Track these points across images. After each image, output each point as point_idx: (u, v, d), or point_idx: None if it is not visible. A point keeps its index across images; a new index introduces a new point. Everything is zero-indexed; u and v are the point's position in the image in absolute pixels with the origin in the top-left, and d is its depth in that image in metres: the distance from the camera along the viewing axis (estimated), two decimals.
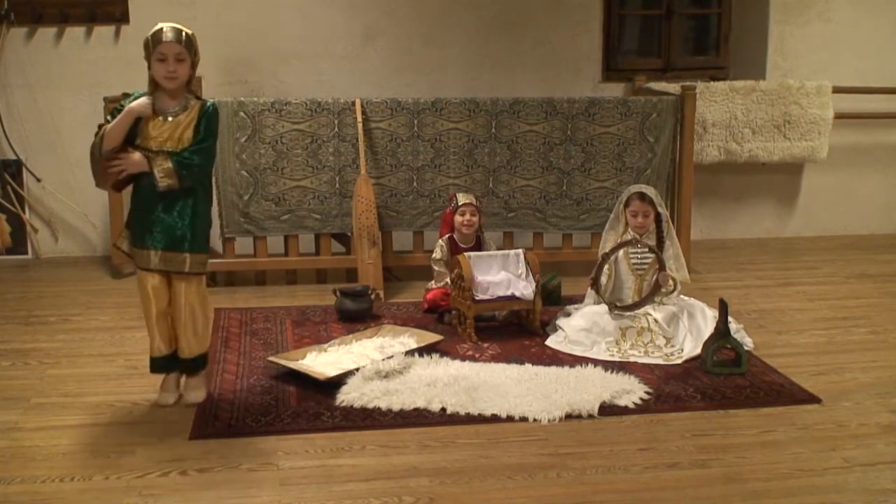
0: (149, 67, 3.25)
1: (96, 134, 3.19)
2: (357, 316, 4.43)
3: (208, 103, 3.31)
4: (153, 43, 3.22)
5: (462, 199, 4.64)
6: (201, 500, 2.79)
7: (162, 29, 3.24)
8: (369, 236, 4.90)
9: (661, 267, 4.09)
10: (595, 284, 4.14)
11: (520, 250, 4.42)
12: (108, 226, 5.28)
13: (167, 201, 3.25)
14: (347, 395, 3.46)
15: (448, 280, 4.45)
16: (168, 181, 3.19)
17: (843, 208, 6.46)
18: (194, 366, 3.44)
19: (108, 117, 3.22)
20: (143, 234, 3.27)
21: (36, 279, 5.31)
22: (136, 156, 3.21)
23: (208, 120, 3.27)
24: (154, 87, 3.27)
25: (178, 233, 3.26)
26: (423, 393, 3.47)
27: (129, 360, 3.94)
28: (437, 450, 3.11)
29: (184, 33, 3.25)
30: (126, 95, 3.33)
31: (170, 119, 3.24)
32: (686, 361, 3.92)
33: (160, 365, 3.44)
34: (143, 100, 3.22)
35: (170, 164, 3.19)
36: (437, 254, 4.65)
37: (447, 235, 4.65)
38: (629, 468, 3.00)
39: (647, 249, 4.15)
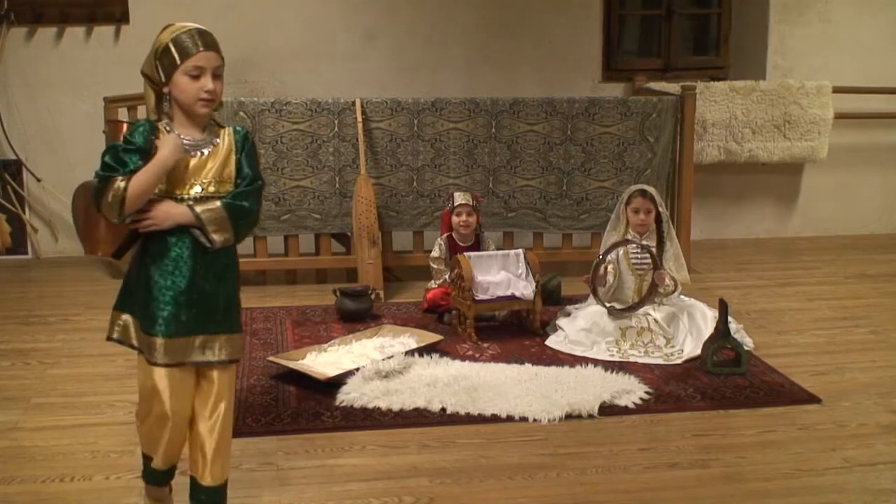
0: (160, 85, 2.39)
1: (103, 188, 2.30)
2: (357, 316, 4.43)
3: (239, 129, 2.50)
4: (180, 53, 2.36)
5: (458, 199, 4.64)
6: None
7: (191, 33, 2.43)
8: (369, 236, 4.90)
9: (656, 266, 4.09)
10: (593, 287, 4.13)
11: (520, 250, 4.42)
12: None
13: (207, 265, 2.41)
14: (347, 395, 3.46)
15: (447, 277, 4.45)
16: (224, 235, 2.38)
17: (842, 208, 6.46)
18: (217, 499, 2.56)
19: (110, 160, 2.31)
20: (174, 317, 2.38)
21: (36, 279, 5.31)
22: (174, 207, 2.36)
23: (249, 151, 2.47)
24: (164, 112, 2.42)
25: (222, 306, 2.46)
26: (423, 393, 3.47)
27: (129, 360, 3.92)
28: (437, 450, 3.11)
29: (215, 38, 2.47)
30: (128, 124, 2.67)
31: (203, 155, 2.41)
32: (686, 361, 3.92)
33: (162, 477, 2.60)
34: (173, 140, 2.34)
35: (223, 213, 2.37)
36: (435, 252, 4.66)
37: (446, 234, 4.66)
38: (629, 468, 3.00)
39: (640, 248, 4.15)
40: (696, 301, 4.25)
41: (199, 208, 2.36)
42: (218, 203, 2.38)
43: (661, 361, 3.92)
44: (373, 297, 4.54)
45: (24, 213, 5.63)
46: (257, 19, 5.63)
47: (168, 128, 2.39)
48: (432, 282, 4.65)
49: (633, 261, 4.20)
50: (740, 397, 3.56)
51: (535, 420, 3.34)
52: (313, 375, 3.59)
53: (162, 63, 2.37)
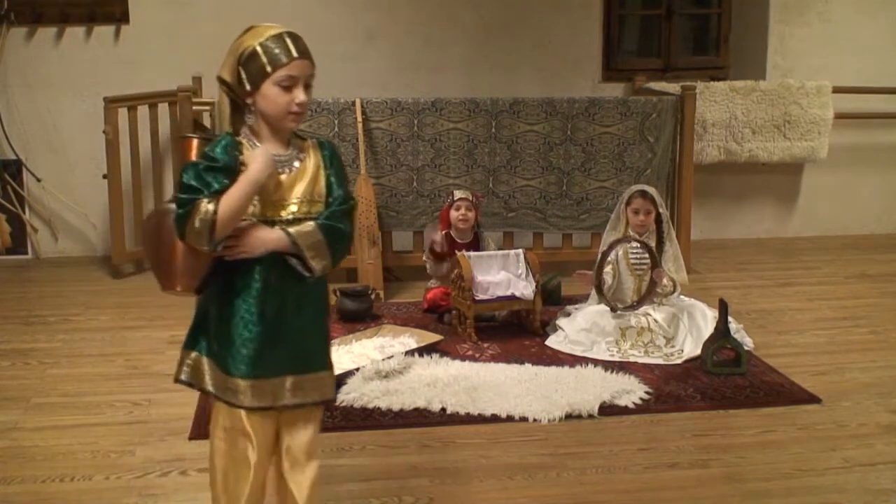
0: (244, 95, 2.11)
1: (187, 213, 2.01)
2: (357, 316, 4.43)
3: (324, 142, 2.24)
4: (271, 61, 2.10)
5: (458, 194, 4.65)
6: (201, 500, 2.79)
7: (282, 38, 2.18)
8: (369, 236, 4.90)
9: (655, 264, 4.09)
10: (598, 285, 4.13)
11: (520, 250, 4.42)
12: (108, 225, 5.28)
13: (297, 296, 2.14)
14: (347, 395, 3.46)
15: (432, 252, 4.42)
16: (323, 262, 2.11)
17: (843, 208, 6.46)
18: None
19: (192, 180, 2.02)
20: (260, 355, 2.11)
21: (36, 279, 5.31)
22: (268, 232, 2.09)
23: (338, 167, 2.21)
24: (244, 124, 2.15)
25: (315, 342, 2.22)
26: (423, 393, 3.47)
27: (129, 360, 3.94)
28: (437, 450, 3.11)
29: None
30: (208, 140, 2.19)
31: (292, 171, 2.15)
32: (686, 361, 3.92)
33: None
34: (264, 154, 2.07)
35: (320, 237, 2.10)
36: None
37: (444, 231, 4.66)
38: (629, 468, 3.00)
39: (639, 246, 4.15)
40: (696, 301, 4.25)
41: (294, 232, 2.08)
42: (313, 226, 2.11)
43: (661, 361, 3.92)
44: (373, 297, 4.54)
45: (24, 213, 5.62)
46: (257, 19, 5.59)
47: (252, 142, 2.12)
48: (432, 281, 4.65)
49: (633, 261, 4.20)
50: (740, 397, 3.57)
51: (535, 420, 3.34)
52: None
53: (248, 70, 2.10)
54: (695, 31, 6.58)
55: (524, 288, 4.25)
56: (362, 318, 4.43)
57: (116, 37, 5.57)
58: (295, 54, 2.12)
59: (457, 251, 4.39)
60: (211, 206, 2.00)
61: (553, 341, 4.12)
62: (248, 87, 2.10)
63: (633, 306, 4.11)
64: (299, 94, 2.10)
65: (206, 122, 5.08)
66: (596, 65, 6.07)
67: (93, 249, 5.77)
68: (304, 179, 2.14)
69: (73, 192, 5.63)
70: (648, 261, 4.15)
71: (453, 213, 4.61)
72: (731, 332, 3.82)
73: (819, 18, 6.15)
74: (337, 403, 3.42)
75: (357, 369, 3.62)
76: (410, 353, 3.83)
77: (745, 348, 3.89)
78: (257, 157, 2.06)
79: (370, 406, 3.40)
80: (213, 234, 2.00)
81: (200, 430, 3.23)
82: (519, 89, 5.61)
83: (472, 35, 5.90)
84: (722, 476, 2.95)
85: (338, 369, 3.62)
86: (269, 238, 2.08)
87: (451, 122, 5.10)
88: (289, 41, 2.15)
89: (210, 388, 2.14)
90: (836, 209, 6.45)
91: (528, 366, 3.81)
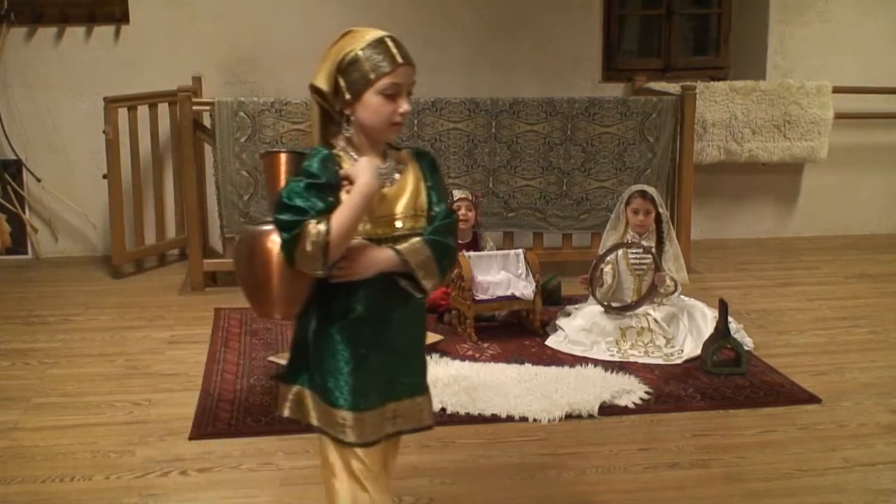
0: (344, 105, 1.96)
1: (297, 236, 1.86)
2: None
3: (422, 151, 2.13)
4: (375, 68, 1.94)
5: (457, 194, 4.65)
6: (201, 500, 2.80)
7: (385, 43, 1.99)
8: None
9: (657, 267, 4.09)
10: (591, 286, 4.13)
11: (520, 250, 4.42)
12: (108, 225, 5.28)
13: (400, 317, 2.03)
14: None
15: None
16: (433, 281, 2.00)
17: (843, 208, 6.46)
18: None
19: (297, 201, 1.88)
20: (364, 384, 1.99)
21: (36, 279, 5.31)
22: (377, 251, 1.95)
23: (438, 178, 2.09)
24: (340, 135, 2.00)
25: (415, 365, 2.12)
26: None
27: (129, 360, 3.94)
28: (437, 450, 3.11)
29: None
30: (298, 155, 2.06)
31: (393, 185, 2.01)
32: (686, 361, 3.92)
33: None
34: (370, 166, 1.92)
35: (429, 254, 1.98)
36: None
37: None
38: (629, 468, 3.00)
39: (642, 250, 4.15)
40: (696, 301, 4.25)
41: (404, 250, 1.95)
42: (420, 242, 1.98)
43: (661, 361, 3.92)
44: None
45: (24, 213, 5.62)
46: (257, 19, 5.62)
47: (350, 154, 1.98)
48: None
49: (633, 261, 4.20)
50: (740, 397, 3.57)
51: (535, 420, 3.34)
52: None
53: (348, 78, 1.93)
54: (695, 31, 6.58)
55: (524, 288, 4.24)
56: None
57: (116, 37, 5.57)
58: (399, 60, 1.96)
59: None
60: (322, 227, 1.85)
61: (553, 341, 4.12)
62: (347, 97, 1.95)
63: (631, 307, 4.11)
64: (403, 104, 1.96)
65: (206, 122, 5.08)
66: (596, 65, 6.06)
67: (93, 249, 5.77)
68: (405, 193, 2.01)
69: (73, 192, 5.63)
70: (648, 261, 4.15)
71: None
72: (731, 332, 3.82)
73: (819, 18, 6.15)
74: None
75: None
76: None
77: (745, 348, 3.89)
78: (363, 170, 1.90)
79: None
80: (328, 256, 1.86)
81: (200, 430, 3.23)
82: (519, 89, 5.61)
83: (472, 35, 5.90)
84: (722, 476, 2.95)
85: None
86: (380, 258, 1.94)
87: (451, 122, 5.10)
88: (392, 46, 1.97)
89: (315, 422, 2.02)
90: (836, 209, 6.45)
91: (528, 366, 3.81)
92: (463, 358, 3.90)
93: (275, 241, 1.93)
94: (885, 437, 3.24)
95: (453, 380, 3.57)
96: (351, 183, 1.91)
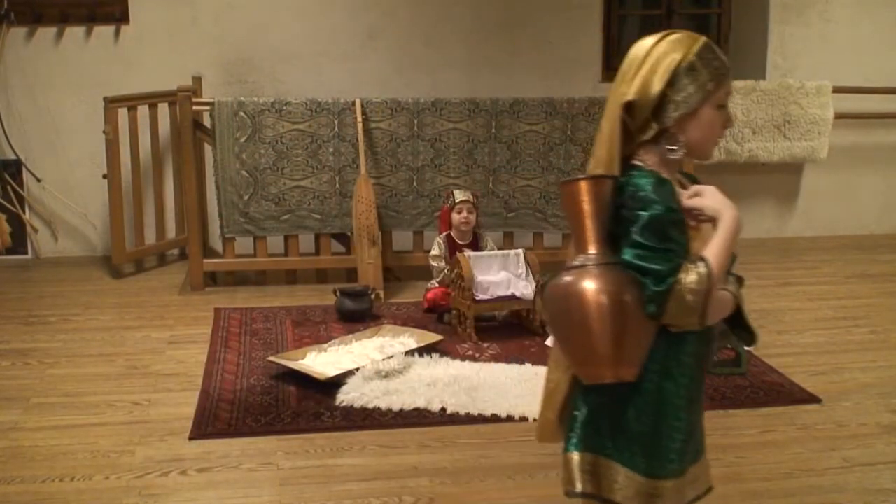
0: (668, 124, 1.72)
1: (669, 290, 1.61)
2: (357, 316, 4.43)
3: (692, 175, 1.89)
4: (716, 77, 1.72)
5: (459, 195, 4.65)
6: (201, 500, 2.80)
7: (714, 49, 1.75)
8: (369, 236, 4.90)
9: None
10: None
11: (520, 250, 4.42)
12: (108, 225, 5.28)
13: (704, 366, 1.83)
14: (347, 395, 3.46)
15: (446, 271, 4.45)
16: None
17: (842, 208, 6.46)
18: None
19: (668, 243, 1.65)
20: (688, 447, 1.80)
21: (36, 279, 5.31)
22: (722, 294, 1.74)
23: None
24: (659, 159, 1.74)
25: (702, 420, 1.88)
26: (423, 393, 3.47)
27: (129, 360, 3.94)
28: (437, 450, 3.11)
29: None
30: (595, 181, 1.70)
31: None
32: None
33: None
34: (719, 194, 1.75)
35: (738, 288, 1.83)
36: (434, 250, 4.67)
37: (445, 233, 4.66)
38: None
39: None
40: None
41: (736, 291, 1.77)
42: (734, 281, 1.83)
43: None
44: (373, 297, 4.55)
45: (24, 213, 5.62)
46: (257, 19, 5.63)
47: (679, 180, 1.76)
48: (432, 281, 4.65)
49: None
50: (740, 397, 3.56)
51: (534, 420, 3.33)
52: (313, 375, 3.59)
53: (683, 90, 1.69)
54: (695, 31, 6.54)
55: (524, 288, 4.24)
56: (362, 318, 4.43)
57: (116, 37, 5.57)
58: (728, 66, 1.73)
59: (458, 252, 4.40)
60: (703, 271, 1.61)
61: (553, 341, 4.11)
62: (678, 112, 1.70)
63: None
64: (729, 116, 1.75)
65: (206, 122, 5.08)
66: (596, 65, 6.07)
67: (93, 249, 5.77)
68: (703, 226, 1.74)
69: (73, 192, 5.63)
70: None
71: (455, 216, 4.62)
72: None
73: (819, 18, 6.15)
74: (337, 403, 3.42)
75: (357, 369, 3.62)
76: (410, 353, 3.83)
77: (745, 348, 3.89)
78: (722, 201, 1.70)
79: (370, 406, 3.40)
80: (708, 304, 1.61)
81: (200, 429, 3.23)
82: (519, 89, 5.61)
83: (472, 35, 5.90)
84: (722, 476, 2.94)
85: (338, 369, 3.64)
86: (726, 300, 1.72)
87: (451, 122, 5.10)
88: (718, 51, 1.75)
89: (618, 497, 1.75)
90: (836, 209, 6.45)
91: (528, 366, 3.81)
92: (463, 358, 3.90)
93: (596, 292, 1.63)
94: (885, 437, 3.24)
95: (453, 380, 3.57)
96: (697, 218, 1.71)
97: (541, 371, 3.77)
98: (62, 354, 4.02)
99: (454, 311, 4.30)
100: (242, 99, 4.99)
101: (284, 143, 4.96)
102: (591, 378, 1.71)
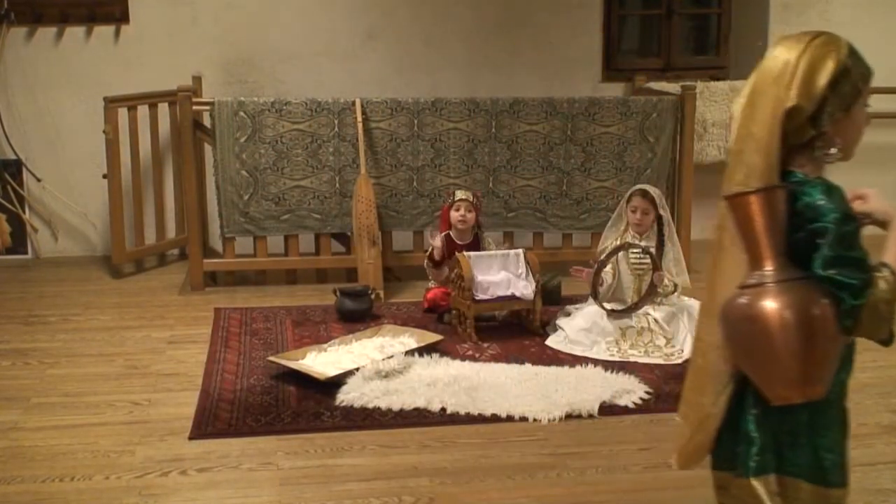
0: (824, 127, 1.73)
1: (863, 303, 1.65)
2: (357, 316, 4.43)
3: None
4: (863, 77, 1.83)
5: (458, 195, 4.65)
6: (201, 500, 2.80)
7: (854, 48, 1.84)
8: (369, 236, 4.90)
9: (656, 267, 4.09)
10: (592, 289, 4.12)
11: (520, 250, 4.42)
12: (108, 225, 5.28)
13: None
14: (347, 395, 3.46)
15: (431, 259, 4.44)
16: None
17: None
18: None
19: (862, 251, 1.70)
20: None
21: (36, 279, 5.31)
22: None
23: None
24: (809, 164, 1.73)
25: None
26: (423, 393, 3.47)
27: (129, 360, 3.94)
28: (437, 450, 3.11)
29: None
30: (766, 194, 1.66)
31: None
32: (686, 361, 3.91)
33: None
34: (883, 197, 1.80)
35: None
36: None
37: (445, 233, 4.66)
38: (629, 468, 3.00)
39: (641, 250, 4.15)
40: (696, 301, 4.24)
41: None
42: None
43: (661, 361, 3.92)
44: (373, 297, 4.55)
45: (24, 213, 5.62)
46: (257, 19, 5.62)
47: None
48: (432, 281, 4.65)
49: (633, 261, 4.20)
50: None
51: (535, 420, 3.34)
52: (313, 375, 3.59)
53: (841, 92, 1.73)
54: (695, 31, 6.58)
55: (524, 288, 4.24)
56: (362, 318, 4.43)
57: (116, 37, 5.57)
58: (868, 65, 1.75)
59: (457, 252, 4.39)
60: (891, 277, 1.64)
61: (553, 341, 4.12)
62: (836, 113, 1.72)
63: (630, 308, 4.11)
64: (868, 113, 1.75)
65: (206, 122, 5.08)
66: (596, 65, 6.06)
67: (93, 249, 5.77)
68: None
69: (73, 191, 5.63)
70: (648, 261, 4.15)
71: (453, 214, 4.61)
72: None
73: (819, 18, 6.15)
74: (337, 403, 3.43)
75: (357, 369, 3.62)
76: (410, 353, 3.83)
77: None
78: (888, 204, 1.71)
79: (370, 406, 3.40)
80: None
81: (200, 429, 3.23)
82: (519, 89, 5.61)
83: (472, 35, 5.90)
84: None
85: (338, 369, 3.64)
86: None
87: (451, 122, 5.10)
88: (857, 50, 1.78)
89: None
90: None
91: (528, 366, 3.81)
92: (463, 358, 3.90)
93: (779, 311, 1.59)
94: (885, 437, 3.24)
95: (453, 380, 3.57)
96: (863, 222, 1.73)
97: (541, 371, 3.78)
98: (62, 354, 4.02)
99: (454, 311, 4.30)
100: (242, 99, 4.99)
101: (284, 142, 4.96)
102: (779, 399, 1.67)
